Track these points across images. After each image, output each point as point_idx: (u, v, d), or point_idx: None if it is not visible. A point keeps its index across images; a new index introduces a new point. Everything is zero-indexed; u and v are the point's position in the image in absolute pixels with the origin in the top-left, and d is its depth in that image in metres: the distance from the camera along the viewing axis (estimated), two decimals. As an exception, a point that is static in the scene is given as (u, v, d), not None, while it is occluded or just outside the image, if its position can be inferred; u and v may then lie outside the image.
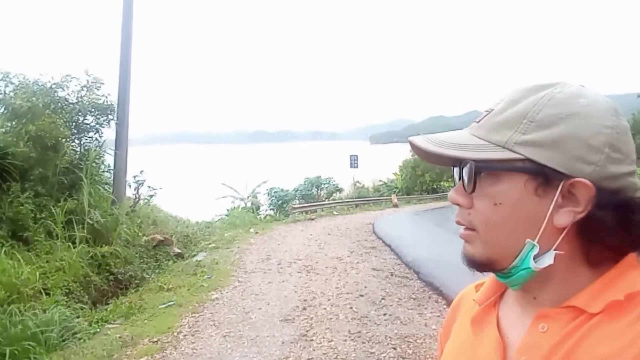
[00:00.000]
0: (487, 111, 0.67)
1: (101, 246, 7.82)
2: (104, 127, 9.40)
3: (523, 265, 0.63)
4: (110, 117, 9.36)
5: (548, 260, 0.61)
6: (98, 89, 9.18)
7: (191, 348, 4.83)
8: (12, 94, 8.37)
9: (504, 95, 0.68)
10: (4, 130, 8.27)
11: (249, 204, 20.10)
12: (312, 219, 16.83)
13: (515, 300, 0.71)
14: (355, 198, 23.46)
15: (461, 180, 0.67)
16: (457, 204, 0.68)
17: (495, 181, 0.63)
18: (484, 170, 0.63)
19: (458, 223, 0.68)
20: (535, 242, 0.62)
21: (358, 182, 26.35)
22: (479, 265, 0.67)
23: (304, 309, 6.04)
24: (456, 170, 0.69)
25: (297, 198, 21.06)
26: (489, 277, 0.77)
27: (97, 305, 6.72)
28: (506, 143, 0.62)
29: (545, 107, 0.62)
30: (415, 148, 0.69)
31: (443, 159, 0.68)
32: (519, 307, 0.70)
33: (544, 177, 0.61)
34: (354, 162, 24.39)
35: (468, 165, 0.64)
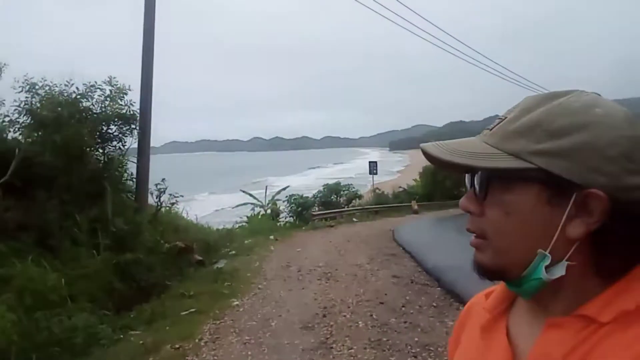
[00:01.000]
0: (500, 119, 0.67)
1: (124, 253, 7.94)
2: (126, 136, 9.58)
3: (534, 276, 0.62)
4: (132, 126, 9.54)
5: (560, 271, 0.61)
6: (121, 99, 9.37)
7: (212, 355, 4.87)
8: (38, 104, 8.60)
9: (518, 104, 0.67)
10: (30, 140, 8.49)
11: (268, 211, 20.17)
12: (332, 226, 16.82)
13: (525, 308, 0.71)
14: (375, 205, 23.37)
15: (472, 188, 0.67)
16: (468, 212, 0.67)
17: (507, 190, 0.63)
18: (497, 179, 0.63)
19: (469, 230, 0.68)
20: (547, 253, 0.61)
21: (377, 188, 26.26)
22: (489, 273, 0.67)
23: (324, 316, 6.04)
24: (467, 177, 0.69)
25: (316, 205, 21.05)
26: (499, 285, 0.77)
27: (121, 311, 6.81)
28: (520, 152, 0.61)
29: (560, 116, 0.61)
30: (427, 155, 0.69)
31: (454, 167, 0.67)
32: (529, 315, 0.70)
33: (557, 187, 0.60)
34: (373, 168, 24.35)
35: (480, 173, 0.65)
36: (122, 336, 5.62)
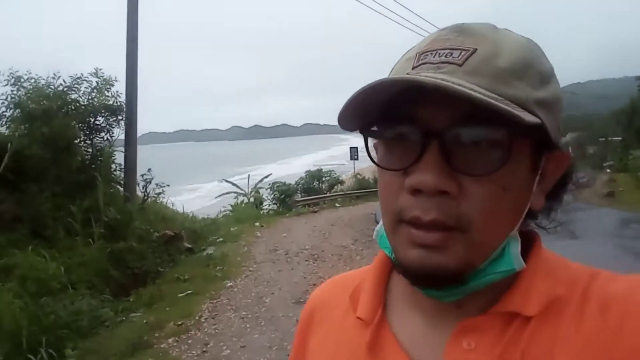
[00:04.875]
0: (457, 50, 0.45)
1: (117, 242, 8.15)
2: (114, 127, 9.73)
3: (499, 268, 0.46)
4: (119, 117, 9.69)
5: (518, 254, 0.47)
6: (108, 91, 9.51)
7: (214, 329, 5.24)
8: (25, 97, 8.68)
9: (461, 29, 0.47)
10: (19, 133, 8.59)
11: (251, 200, 20.40)
12: (315, 212, 17.18)
13: (412, 310, 0.54)
14: (357, 190, 23.80)
15: (443, 154, 0.44)
16: (443, 192, 0.43)
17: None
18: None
19: (435, 222, 0.44)
20: (516, 235, 0.48)
21: (359, 173, 26.67)
22: (448, 279, 0.46)
23: (315, 292, 6.42)
24: (418, 138, 0.45)
25: (299, 191, 21.36)
26: (368, 283, 0.59)
27: (118, 297, 7.07)
28: (525, 101, 0.44)
29: (542, 56, 0.48)
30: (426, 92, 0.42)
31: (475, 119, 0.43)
32: (421, 319, 0.53)
33: (538, 148, 0.47)
34: (354, 154, 24.76)
35: (493, 130, 0.43)
36: (124, 318, 5.91)
